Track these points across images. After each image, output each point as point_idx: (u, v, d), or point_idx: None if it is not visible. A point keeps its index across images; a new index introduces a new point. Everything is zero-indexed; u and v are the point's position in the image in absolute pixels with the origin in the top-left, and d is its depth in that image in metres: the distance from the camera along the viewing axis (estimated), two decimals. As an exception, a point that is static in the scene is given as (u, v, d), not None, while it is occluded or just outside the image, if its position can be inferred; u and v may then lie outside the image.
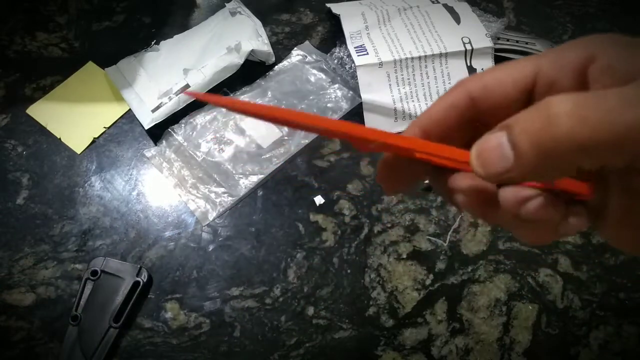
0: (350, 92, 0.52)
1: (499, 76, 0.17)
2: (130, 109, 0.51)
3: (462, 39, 0.50)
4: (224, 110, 0.51)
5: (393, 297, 0.44)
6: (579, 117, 0.12)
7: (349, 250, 0.46)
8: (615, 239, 0.17)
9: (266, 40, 0.53)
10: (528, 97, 0.17)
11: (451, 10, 0.53)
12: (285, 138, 0.50)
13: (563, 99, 0.13)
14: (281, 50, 0.55)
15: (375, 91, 0.50)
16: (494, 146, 0.15)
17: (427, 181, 0.20)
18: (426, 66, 0.50)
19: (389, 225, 0.47)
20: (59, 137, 0.51)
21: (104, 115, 0.52)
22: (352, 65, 0.51)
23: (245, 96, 0.52)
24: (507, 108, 0.17)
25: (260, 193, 0.48)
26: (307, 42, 0.56)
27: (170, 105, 0.49)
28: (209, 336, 0.43)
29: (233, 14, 0.56)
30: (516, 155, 0.14)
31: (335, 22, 0.56)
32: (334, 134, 0.16)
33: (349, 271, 0.45)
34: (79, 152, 0.51)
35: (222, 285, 0.45)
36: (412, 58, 0.50)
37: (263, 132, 0.50)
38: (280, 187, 0.48)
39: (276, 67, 0.54)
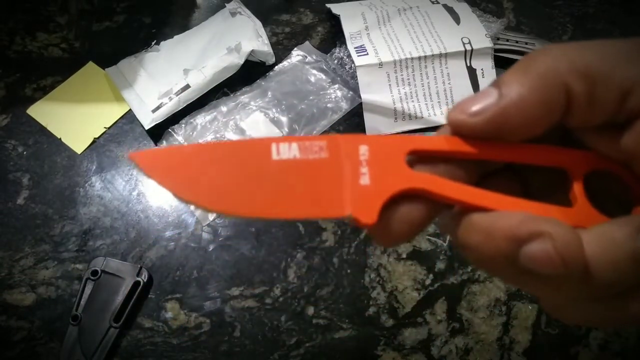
0: (350, 92, 0.52)
1: (605, 67, 0.13)
2: (130, 109, 0.51)
3: (461, 39, 0.51)
4: (224, 110, 0.51)
5: (393, 297, 0.44)
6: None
7: (349, 250, 0.46)
8: None
9: (266, 41, 0.53)
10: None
11: (451, 11, 0.53)
12: (285, 138, 0.50)
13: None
14: (281, 50, 0.55)
15: (375, 91, 0.50)
16: (477, 93, 0.14)
17: None
18: (426, 66, 0.50)
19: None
20: (59, 137, 0.51)
21: (105, 115, 0.52)
22: (352, 65, 0.51)
23: (245, 96, 0.52)
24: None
25: (260, 193, 0.48)
26: (307, 43, 0.56)
27: (171, 106, 0.49)
28: (209, 336, 0.43)
29: (233, 14, 0.56)
30: (501, 91, 0.14)
31: (335, 23, 0.57)
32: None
33: (349, 271, 0.45)
34: (79, 152, 0.51)
35: (222, 285, 0.45)
36: (412, 58, 0.50)
37: (263, 133, 0.50)
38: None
39: (276, 67, 0.54)
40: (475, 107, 0.14)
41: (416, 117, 0.50)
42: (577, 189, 0.15)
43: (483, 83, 0.51)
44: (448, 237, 0.46)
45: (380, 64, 0.49)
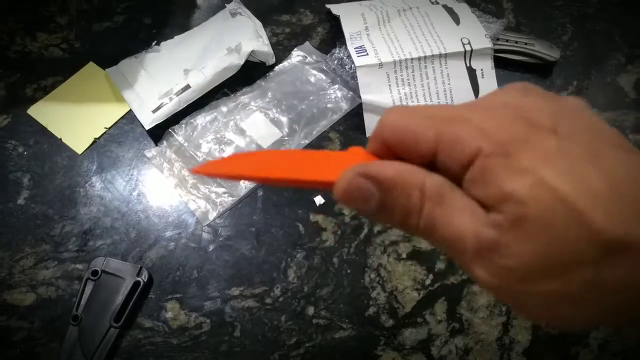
0: (350, 92, 0.52)
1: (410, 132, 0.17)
2: (131, 110, 0.52)
3: (461, 39, 0.51)
4: (224, 110, 0.51)
5: (393, 297, 0.44)
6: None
7: (349, 250, 0.46)
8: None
9: (266, 41, 0.53)
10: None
11: (450, 11, 0.53)
12: (286, 138, 0.50)
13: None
14: (281, 51, 0.55)
15: (375, 92, 0.50)
16: (363, 190, 0.17)
17: None
18: (426, 67, 0.50)
19: (388, 225, 0.47)
20: (59, 137, 0.51)
21: (105, 115, 0.52)
22: (352, 65, 0.51)
23: (245, 96, 0.52)
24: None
25: (260, 193, 0.48)
26: (307, 43, 0.56)
27: (171, 106, 0.49)
28: (209, 336, 0.43)
29: (233, 14, 0.56)
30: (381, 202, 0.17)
31: (335, 23, 0.57)
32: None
33: (349, 271, 0.45)
34: (79, 153, 0.51)
35: (223, 285, 0.45)
36: (412, 59, 0.50)
37: (263, 133, 0.50)
38: (281, 187, 0.49)
39: (276, 67, 0.54)
40: (362, 207, 0.17)
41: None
42: None
43: (483, 83, 0.51)
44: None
45: (380, 65, 0.49)
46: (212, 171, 0.19)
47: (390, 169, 0.16)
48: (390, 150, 0.18)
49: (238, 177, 0.19)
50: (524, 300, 0.15)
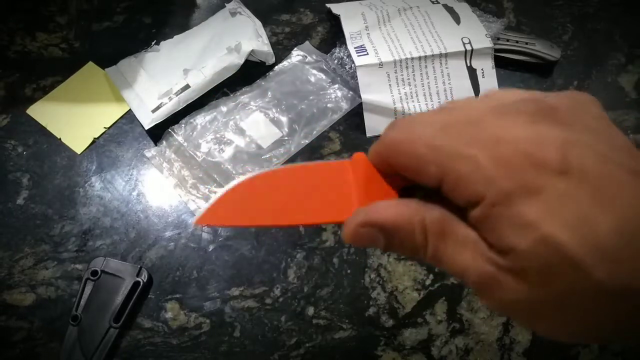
0: (350, 92, 0.52)
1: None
2: (130, 109, 0.51)
3: (462, 39, 0.50)
4: (224, 110, 0.51)
5: (393, 297, 0.44)
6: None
7: (349, 250, 0.46)
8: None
9: (266, 41, 0.53)
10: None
11: (451, 11, 0.53)
12: (286, 138, 0.50)
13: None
14: (281, 50, 0.55)
15: (375, 91, 0.50)
16: (369, 235, 0.18)
17: None
18: (426, 66, 0.50)
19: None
20: (59, 137, 0.51)
21: (104, 115, 0.52)
22: (352, 65, 0.51)
23: (245, 96, 0.52)
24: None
25: (260, 193, 0.48)
26: (307, 43, 0.56)
27: (171, 106, 0.49)
28: (209, 336, 0.43)
29: (233, 14, 0.56)
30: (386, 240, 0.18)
31: (335, 23, 0.57)
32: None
33: (349, 271, 0.45)
34: (79, 153, 0.51)
35: (222, 285, 0.45)
36: (412, 58, 0.50)
37: (263, 133, 0.50)
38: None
39: (276, 67, 0.54)
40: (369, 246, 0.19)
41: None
42: None
43: (483, 83, 0.51)
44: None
45: (381, 64, 0.49)
46: (214, 222, 0.19)
47: (390, 212, 0.17)
48: (392, 168, 0.18)
49: (241, 226, 0.20)
50: (525, 320, 0.16)
